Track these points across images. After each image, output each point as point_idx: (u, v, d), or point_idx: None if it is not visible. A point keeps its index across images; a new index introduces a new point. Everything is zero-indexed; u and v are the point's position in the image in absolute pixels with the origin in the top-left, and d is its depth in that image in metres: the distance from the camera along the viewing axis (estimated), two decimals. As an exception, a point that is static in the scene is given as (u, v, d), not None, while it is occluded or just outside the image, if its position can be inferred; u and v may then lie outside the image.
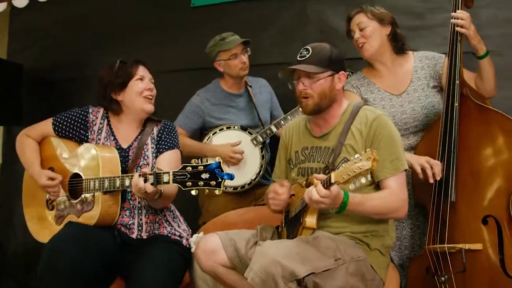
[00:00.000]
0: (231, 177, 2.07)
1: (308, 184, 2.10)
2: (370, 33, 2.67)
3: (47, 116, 3.92)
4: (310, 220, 2.15)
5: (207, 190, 2.46)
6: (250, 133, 3.16)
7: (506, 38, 2.98)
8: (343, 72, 2.30)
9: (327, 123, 2.32)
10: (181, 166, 2.09)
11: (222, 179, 2.04)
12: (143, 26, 3.83)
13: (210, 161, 3.04)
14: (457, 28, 2.48)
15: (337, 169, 2.13)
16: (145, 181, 2.14)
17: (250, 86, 3.27)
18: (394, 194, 2.15)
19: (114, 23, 3.90)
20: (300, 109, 2.37)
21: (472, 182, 2.33)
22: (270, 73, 3.44)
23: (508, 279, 2.17)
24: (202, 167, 2.05)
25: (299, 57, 2.27)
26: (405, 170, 2.21)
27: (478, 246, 2.24)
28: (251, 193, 3.16)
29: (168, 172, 2.10)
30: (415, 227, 2.64)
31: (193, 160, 2.89)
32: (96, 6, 3.97)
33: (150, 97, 2.49)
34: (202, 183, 2.05)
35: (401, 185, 2.18)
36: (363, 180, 1.89)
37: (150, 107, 2.49)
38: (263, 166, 3.14)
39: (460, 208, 2.32)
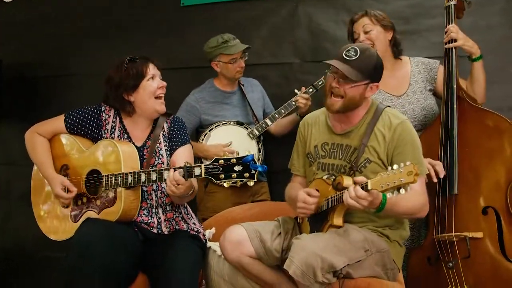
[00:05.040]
0: (264, 169, 2.14)
1: (337, 184, 2.15)
2: (375, 36, 2.80)
3: (26, 114, 3.87)
4: (337, 219, 2.21)
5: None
6: (246, 128, 3.23)
7: (486, 44, 3.17)
8: (376, 84, 2.30)
9: (349, 121, 2.35)
10: (213, 159, 2.14)
11: (255, 170, 2.10)
12: (131, 24, 3.77)
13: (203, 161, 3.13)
14: (449, 45, 2.68)
15: (361, 169, 2.24)
16: None
17: (243, 85, 3.37)
18: (419, 195, 2.22)
19: (101, 21, 3.82)
20: (325, 104, 2.33)
21: (472, 176, 2.52)
22: (260, 73, 3.55)
23: (508, 263, 2.39)
24: (235, 160, 2.10)
25: (346, 55, 2.23)
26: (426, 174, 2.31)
27: (479, 235, 2.44)
28: (248, 189, 3.21)
29: (200, 165, 2.14)
30: (414, 219, 2.78)
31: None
32: (82, 3, 3.87)
33: (162, 95, 2.46)
34: (235, 175, 2.10)
35: (423, 188, 2.25)
36: (402, 191, 1.91)
37: (162, 108, 2.47)
38: (260, 159, 3.21)
39: (462, 200, 2.51)
